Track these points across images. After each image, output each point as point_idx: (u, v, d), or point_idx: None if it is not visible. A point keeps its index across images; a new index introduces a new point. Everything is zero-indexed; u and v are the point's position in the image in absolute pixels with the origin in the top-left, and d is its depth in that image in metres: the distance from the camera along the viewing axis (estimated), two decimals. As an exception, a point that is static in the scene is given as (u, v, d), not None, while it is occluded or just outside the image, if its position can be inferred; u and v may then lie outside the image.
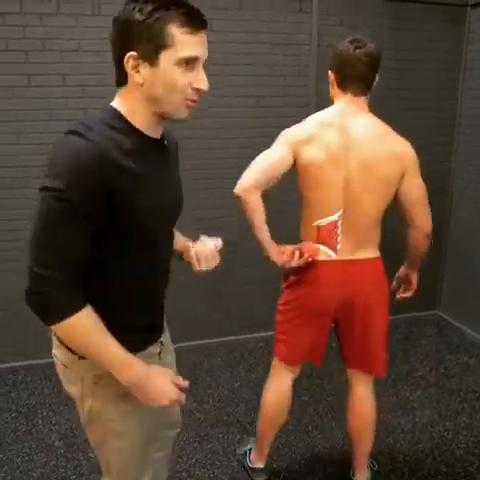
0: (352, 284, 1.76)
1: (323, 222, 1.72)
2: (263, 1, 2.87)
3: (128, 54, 0.99)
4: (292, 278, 1.82)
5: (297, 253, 1.71)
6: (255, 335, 3.27)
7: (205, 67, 1.06)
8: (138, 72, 1.01)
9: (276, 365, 1.93)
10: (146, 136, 1.09)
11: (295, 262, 1.71)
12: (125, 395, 1.15)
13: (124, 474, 1.31)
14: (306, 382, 2.79)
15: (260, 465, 2.08)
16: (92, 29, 2.62)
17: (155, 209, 1.10)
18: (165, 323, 1.40)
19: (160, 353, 1.33)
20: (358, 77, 1.65)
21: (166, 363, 1.36)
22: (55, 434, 2.35)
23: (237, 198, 1.65)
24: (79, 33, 2.63)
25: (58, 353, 1.21)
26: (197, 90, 1.04)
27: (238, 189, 1.65)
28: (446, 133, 3.41)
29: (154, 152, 1.13)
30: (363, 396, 1.95)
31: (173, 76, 1.00)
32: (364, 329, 1.80)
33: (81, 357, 1.14)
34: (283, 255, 1.72)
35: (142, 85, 1.02)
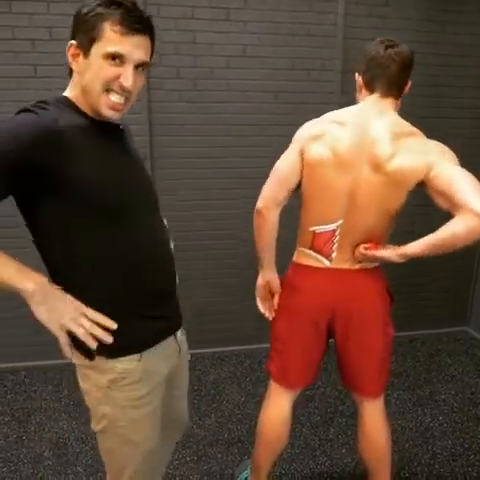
0: (346, 295, 1.58)
1: (320, 229, 1.57)
2: (286, -11, 2.68)
3: (69, 42, 1.07)
4: (282, 284, 1.70)
5: None
6: (266, 345, 3.07)
7: (143, 69, 1.11)
8: (76, 61, 1.07)
9: (272, 386, 1.75)
10: (93, 119, 1.12)
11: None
12: (137, 400, 1.19)
13: None
14: (319, 400, 2.59)
15: None
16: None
17: (105, 184, 1.08)
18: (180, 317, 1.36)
19: (180, 350, 1.33)
20: (388, 77, 1.50)
21: (176, 370, 1.36)
22: (46, 443, 2.23)
23: (255, 213, 1.64)
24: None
25: (74, 358, 1.19)
26: (121, 87, 1.06)
27: (257, 204, 1.62)
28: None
29: (103, 133, 1.13)
30: (372, 424, 1.74)
31: (98, 67, 1.04)
32: (358, 345, 1.62)
33: (94, 359, 1.15)
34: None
35: (78, 73, 1.08)
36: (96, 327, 1.08)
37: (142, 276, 1.16)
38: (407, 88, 1.58)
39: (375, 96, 1.54)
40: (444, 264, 3.32)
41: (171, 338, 1.28)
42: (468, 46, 2.96)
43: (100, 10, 1.02)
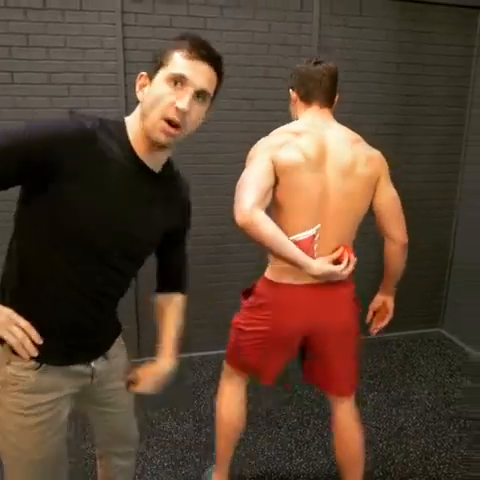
0: (326, 311, 1.65)
1: (301, 236, 1.57)
2: (262, -1, 2.73)
3: (140, 73, 1.09)
4: (253, 300, 1.72)
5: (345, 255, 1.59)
6: None
7: (203, 100, 1.07)
8: (143, 91, 1.08)
9: (228, 371, 1.88)
10: (137, 158, 1.10)
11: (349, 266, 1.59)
12: (26, 409, 1.14)
13: None
14: (295, 403, 2.64)
15: None
16: (78, 25, 2.51)
17: (97, 223, 1.08)
18: (114, 348, 1.32)
19: (92, 376, 1.26)
20: (323, 88, 1.62)
21: (107, 390, 1.33)
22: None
23: (243, 227, 1.44)
24: (65, 29, 2.51)
25: None
26: (177, 109, 1.02)
27: (239, 216, 1.44)
28: (453, 142, 3.23)
29: (135, 176, 1.11)
30: (346, 424, 1.81)
31: (159, 90, 1.04)
32: (335, 354, 1.71)
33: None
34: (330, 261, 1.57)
35: (141, 102, 1.08)
36: (27, 338, 1.07)
37: (69, 309, 1.15)
38: (336, 100, 1.69)
39: (315, 108, 1.64)
40: (418, 267, 3.40)
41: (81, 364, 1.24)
42: (441, 56, 3.06)
43: (173, 43, 1.06)
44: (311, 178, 1.54)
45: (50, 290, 1.12)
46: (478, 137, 3.12)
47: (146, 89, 1.07)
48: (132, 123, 1.10)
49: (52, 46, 2.52)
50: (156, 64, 1.06)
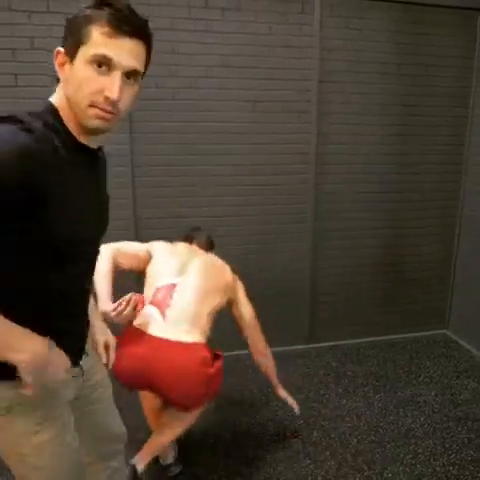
0: (160, 367, 1.76)
1: (159, 284, 1.93)
2: (263, 2, 2.75)
3: (56, 49, 0.97)
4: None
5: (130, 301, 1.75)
6: (235, 353, 2.97)
7: (134, 80, 0.99)
8: (63, 70, 0.98)
9: None
10: (74, 138, 1.01)
11: (125, 311, 1.73)
12: (38, 425, 1.09)
13: None
14: (301, 404, 2.60)
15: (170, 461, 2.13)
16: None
17: (71, 221, 0.99)
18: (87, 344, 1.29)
19: (83, 374, 1.25)
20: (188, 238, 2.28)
21: (90, 385, 1.30)
22: None
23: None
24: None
25: None
26: (106, 98, 0.94)
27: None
28: (456, 143, 3.23)
29: (83, 160, 1.04)
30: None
31: (81, 74, 0.93)
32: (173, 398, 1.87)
33: None
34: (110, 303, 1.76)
35: (64, 81, 0.98)
36: None
37: (65, 316, 1.11)
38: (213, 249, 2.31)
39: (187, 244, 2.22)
40: (423, 269, 3.39)
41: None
42: (442, 57, 3.07)
43: (88, 12, 0.92)
44: (172, 260, 2.05)
45: (49, 307, 1.06)
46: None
47: (67, 68, 0.96)
48: (61, 105, 0.99)
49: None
50: (73, 39, 0.93)
